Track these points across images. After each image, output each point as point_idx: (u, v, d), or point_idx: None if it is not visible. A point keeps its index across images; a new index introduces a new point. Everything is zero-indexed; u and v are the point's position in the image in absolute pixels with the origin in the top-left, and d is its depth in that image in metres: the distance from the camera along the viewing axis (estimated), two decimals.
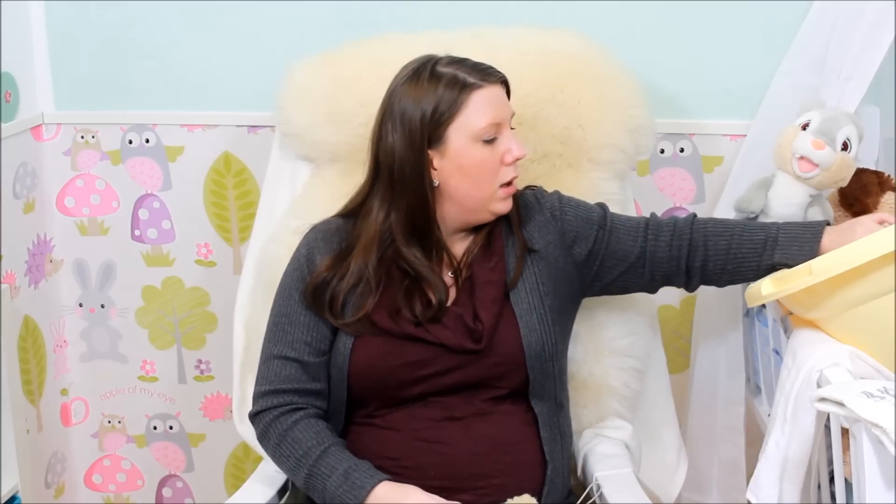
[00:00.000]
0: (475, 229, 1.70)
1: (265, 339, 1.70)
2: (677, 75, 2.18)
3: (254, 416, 1.67)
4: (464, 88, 1.59)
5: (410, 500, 1.51)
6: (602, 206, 1.75)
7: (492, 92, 1.62)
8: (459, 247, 1.70)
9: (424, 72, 1.62)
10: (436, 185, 1.63)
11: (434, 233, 1.65)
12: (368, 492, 1.52)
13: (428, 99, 1.60)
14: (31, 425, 2.37)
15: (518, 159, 1.63)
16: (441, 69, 1.61)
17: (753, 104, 2.14)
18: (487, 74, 1.62)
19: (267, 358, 1.68)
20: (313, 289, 1.65)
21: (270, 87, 2.01)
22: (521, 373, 1.64)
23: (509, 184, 1.64)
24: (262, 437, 1.66)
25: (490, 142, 1.61)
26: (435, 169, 1.62)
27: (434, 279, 1.63)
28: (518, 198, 1.72)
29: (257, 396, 1.67)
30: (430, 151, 1.61)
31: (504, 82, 1.65)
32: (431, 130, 1.60)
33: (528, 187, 1.78)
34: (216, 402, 2.50)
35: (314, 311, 1.65)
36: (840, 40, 1.99)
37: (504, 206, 1.65)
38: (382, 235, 1.65)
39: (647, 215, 1.76)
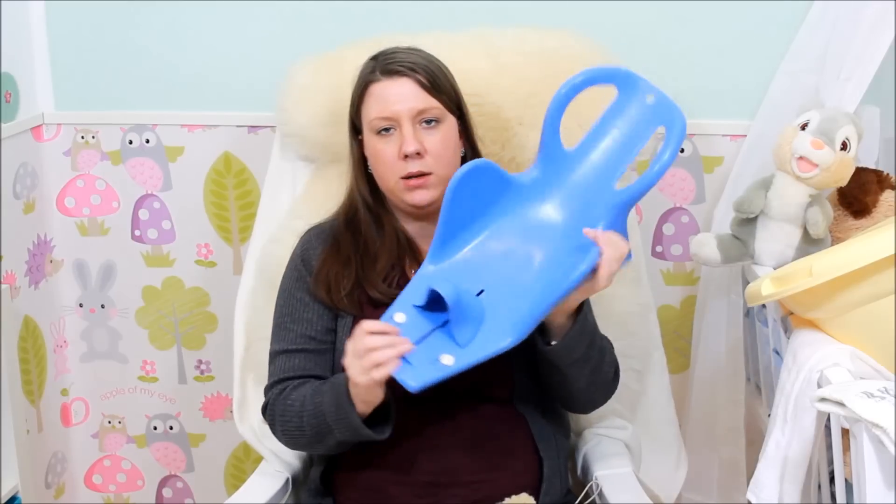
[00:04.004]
0: None
1: (271, 341, 1.72)
2: (677, 75, 2.17)
3: (263, 411, 1.68)
4: (362, 82, 1.67)
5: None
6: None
7: (388, 86, 1.64)
8: (429, 245, 1.67)
9: (364, 63, 1.70)
10: (370, 170, 1.70)
11: (386, 215, 1.71)
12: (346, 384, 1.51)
13: (352, 90, 1.71)
14: (31, 425, 2.37)
15: (407, 156, 1.62)
16: (368, 61, 1.69)
17: (753, 104, 2.14)
18: (389, 69, 1.65)
19: (272, 356, 1.70)
20: (315, 276, 1.68)
21: (270, 87, 2.02)
22: (509, 379, 1.64)
23: (409, 177, 1.63)
24: (272, 424, 1.66)
25: (387, 135, 1.64)
26: (366, 156, 1.70)
27: (384, 260, 1.66)
28: None
29: (265, 392, 1.69)
30: (360, 138, 1.71)
31: (417, 76, 1.64)
32: (353, 120, 1.71)
33: None
34: (216, 403, 2.50)
35: (318, 301, 1.67)
36: (840, 40, 1.99)
37: (411, 198, 1.65)
38: (350, 219, 1.72)
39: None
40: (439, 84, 1.66)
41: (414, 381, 1.41)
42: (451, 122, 1.67)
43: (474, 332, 1.46)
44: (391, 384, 1.48)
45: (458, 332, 1.46)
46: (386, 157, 1.64)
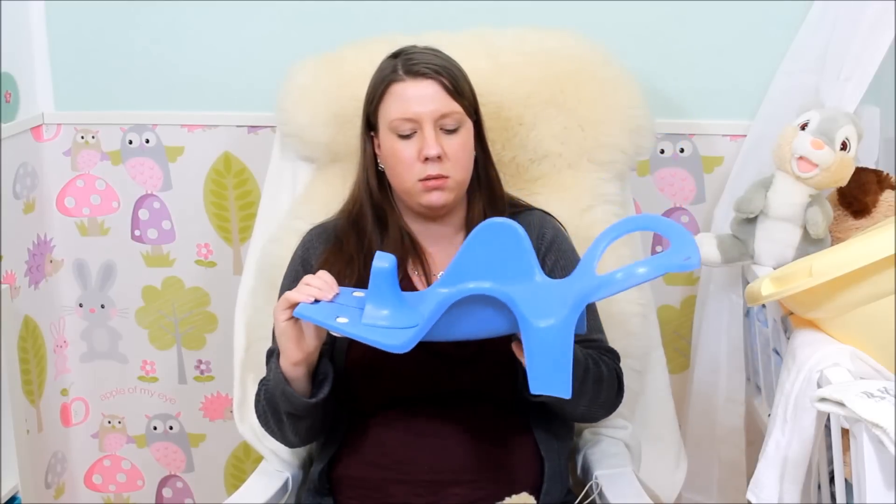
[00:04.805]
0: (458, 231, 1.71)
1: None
2: (677, 75, 2.18)
3: (254, 407, 1.71)
4: (384, 80, 1.65)
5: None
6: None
7: (410, 87, 1.63)
8: (434, 246, 1.69)
9: (383, 60, 1.69)
10: (381, 168, 1.69)
11: (391, 214, 1.70)
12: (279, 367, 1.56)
13: (369, 86, 1.69)
14: (31, 425, 2.37)
15: (427, 159, 1.62)
16: (387, 59, 1.68)
17: (753, 104, 2.14)
18: (414, 70, 1.63)
19: (268, 355, 1.70)
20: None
21: (270, 87, 2.01)
22: (510, 381, 1.64)
23: (428, 179, 1.63)
24: (257, 417, 1.70)
25: (408, 137, 1.63)
26: (380, 153, 1.69)
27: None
28: (521, 216, 1.70)
29: (257, 389, 1.70)
30: (373, 135, 1.69)
31: (442, 79, 1.63)
32: (368, 116, 1.69)
33: (543, 211, 1.76)
34: (216, 403, 2.50)
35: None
36: (840, 40, 1.99)
37: (428, 199, 1.64)
38: (354, 218, 1.71)
39: (598, 335, 1.69)
40: (461, 88, 1.65)
41: (302, 310, 1.48)
42: (469, 126, 1.67)
43: (388, 319, 1.47)
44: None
45: (370, 307, 1.48)
46: (405, 158, 1.63)
